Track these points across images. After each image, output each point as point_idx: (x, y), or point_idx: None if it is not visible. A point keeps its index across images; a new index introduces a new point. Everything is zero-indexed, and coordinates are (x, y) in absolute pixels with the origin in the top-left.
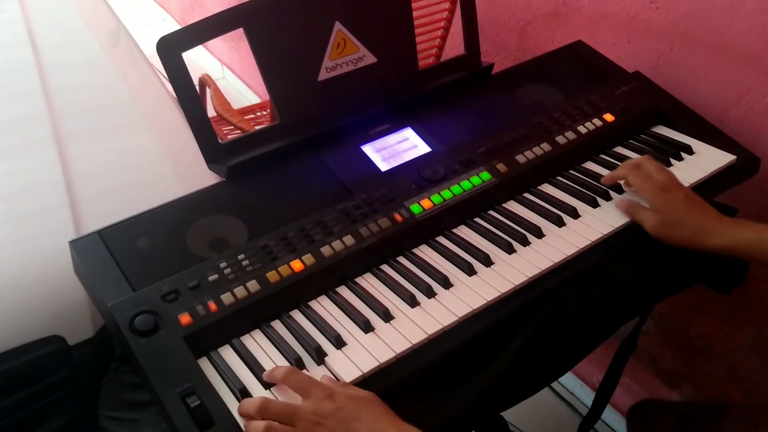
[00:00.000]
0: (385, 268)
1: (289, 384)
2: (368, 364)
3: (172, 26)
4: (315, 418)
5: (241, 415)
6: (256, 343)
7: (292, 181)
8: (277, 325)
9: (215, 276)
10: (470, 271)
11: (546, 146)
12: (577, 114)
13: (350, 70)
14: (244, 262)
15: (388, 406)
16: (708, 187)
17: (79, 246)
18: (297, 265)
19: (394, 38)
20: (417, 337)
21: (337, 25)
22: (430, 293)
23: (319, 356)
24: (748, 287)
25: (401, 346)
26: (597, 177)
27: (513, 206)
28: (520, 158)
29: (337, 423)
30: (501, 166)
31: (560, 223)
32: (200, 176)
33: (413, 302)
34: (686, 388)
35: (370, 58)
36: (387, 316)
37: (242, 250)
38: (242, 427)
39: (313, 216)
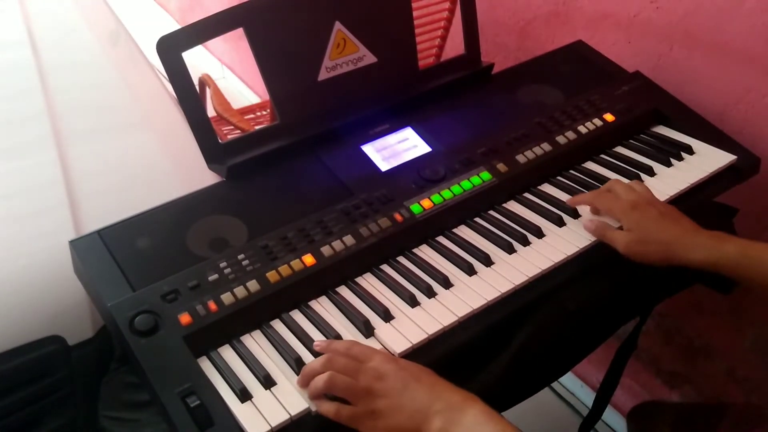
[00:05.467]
0: (385, 268)
1: (351, 354)
2: None
3: (172, 26)
4: (377, 374)
5: (305, 375)
6: (256, 343)
7: (292, 181)
8: (277, 324)
9: (215, 276)
10: (470, 270)
11: (546, 146)
12: (577, 114)
13: (350, 70)
14: (244, 262)
15: (442, 378)
16: (708, 187)
17: (79, 246)
18: (297, 265)
19: (394, 38)
20: (417, 336)
21: (337, 25)
22: (430, 293)
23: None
24: (748, 287)
25: (401, 345)
26: (597, 177)
27: (513, 206)
28: (521, 158)
29: (398, 381)
30: (501, 166)
31: (560, 223)
32: (200, 176)
33: (413, 302)
34: (687, 389)
35: (370, 58)
36: (387, 316)
37: (242, 249)
38: (241, 425)
39: (313, 216)
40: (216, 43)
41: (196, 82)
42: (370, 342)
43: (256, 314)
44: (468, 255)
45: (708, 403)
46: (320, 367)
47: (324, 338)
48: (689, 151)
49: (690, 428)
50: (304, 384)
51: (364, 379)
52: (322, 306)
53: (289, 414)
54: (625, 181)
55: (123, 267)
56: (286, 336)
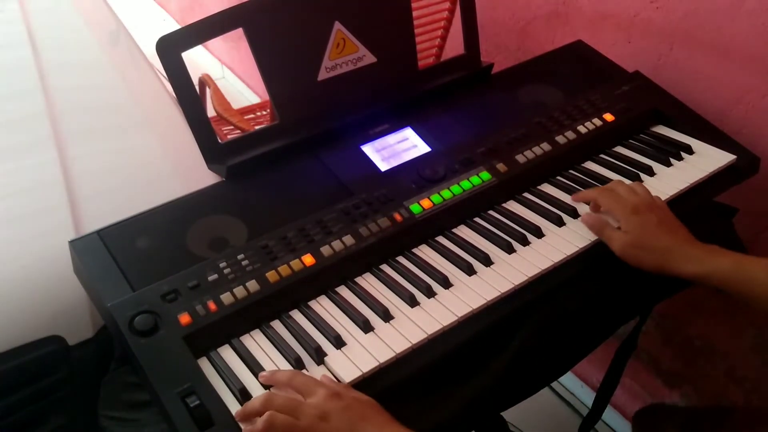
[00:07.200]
0: (385, 267)
1: (293, 386)
2: (368, 364)
3: (172, 26)
4: (319, 413)
5: (245, 414)
6: (256, 343)
7: (291, 181)
8: (277, 325)
9: (215, 276)
10: (470, 270)
11: (546, 146)
12: (577, 114)
13: (350, 70)
14: (244, 262)
15: (389, 413)
16: (708, 187)
17: (79, 246)
18: (297, 265)
19: (394, 38)
20: (417, 336)
21: (337, 25)
22: (429, 293)
23: (319, 356)
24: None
25: (401, 346)
26: (597, 177)
27: (513, 206)
28: (520, 158)
29: (342, 421)
30: (501, 166)
31: (560, 222)
32: (200, 176)
33: (413, 302)
34: (686, 389)
35: (369, 58)
36: (387, 316)
37: (242, 249)
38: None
39: (313, 216)
40: (216, 43)
41: (196, 82)
42: (370, 339)
43: (256, 314)
44: (468, 255)
45: (714, 406)
46: (260, 406)
47: (323, 338)
48: (689, 151)
49: (694, 430)
50: (244, 420)
51: (306, 420)
52: (322, 306)
53: None
54: (627, 182)
55: (123, 267)
56: (286, 336)
